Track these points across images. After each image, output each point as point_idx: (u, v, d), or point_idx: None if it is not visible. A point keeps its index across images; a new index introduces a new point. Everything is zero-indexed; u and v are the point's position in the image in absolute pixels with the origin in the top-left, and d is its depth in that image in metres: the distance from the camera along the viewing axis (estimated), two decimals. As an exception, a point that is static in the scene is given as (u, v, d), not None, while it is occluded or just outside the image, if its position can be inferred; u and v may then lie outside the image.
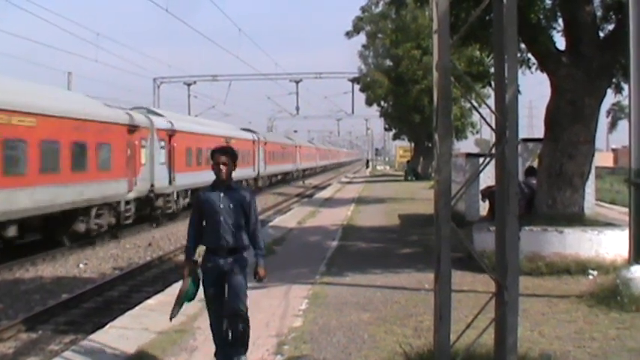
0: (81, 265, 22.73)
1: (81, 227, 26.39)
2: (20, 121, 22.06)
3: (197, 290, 8.30)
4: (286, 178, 79.97)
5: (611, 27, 16.35)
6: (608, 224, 15.92)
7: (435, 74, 6.64)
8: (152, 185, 33.29)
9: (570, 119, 15.54)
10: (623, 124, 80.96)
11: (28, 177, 22.54)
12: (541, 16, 16.04)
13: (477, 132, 65.71)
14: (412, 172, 65.74)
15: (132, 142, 30.77)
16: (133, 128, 31.05)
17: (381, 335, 9.78)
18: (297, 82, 74.88)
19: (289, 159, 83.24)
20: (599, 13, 16.31)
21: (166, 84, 78.86)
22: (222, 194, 8.05)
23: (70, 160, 25.31)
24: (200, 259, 8.48)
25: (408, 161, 74.90)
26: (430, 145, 52.08)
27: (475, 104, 27.44)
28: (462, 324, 7.49)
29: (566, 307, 11.29)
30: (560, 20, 16.52)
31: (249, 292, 8.10)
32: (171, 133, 36.51)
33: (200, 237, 8.31)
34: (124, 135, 30.11)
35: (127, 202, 30.34)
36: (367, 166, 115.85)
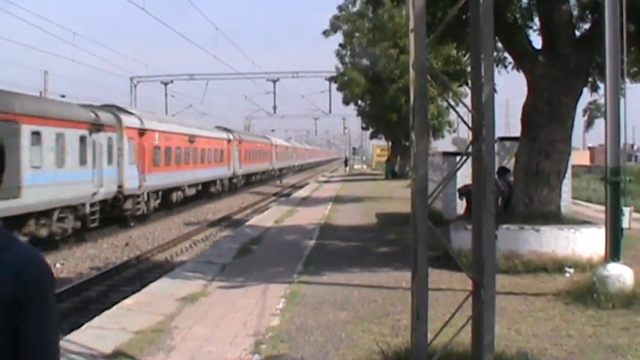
0: (58, 265, 22.58)
1: (213, 190, 52.81)
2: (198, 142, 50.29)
3: None
4: (287, 171, 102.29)
5: (587, 26, 16.44)
6: (585, 222, 16.04)
7: (412, 73, 6.64)
8: (234, 171, 60.58)
9: (547, 118, 15.60)
10: (599, 123, 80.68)
11: (204, 164, 50.50)
12: (517, 15, 16.13)
13: (454, 131, 65.79)
14: (391, 171, 65.85)
15: (228, 148, 58.94)
16: (229, 141, 59.41)
17: (358, 334, 9.78)
18: (274, 82, 74.74)
19: (291, 157, 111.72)
20: (575, 13, 16.40)
21: (143, 83, 78.47)
22: None
23: (214, 157, 53.44)
24: None
25: (387, 160, 74.81)
26: (407, 144, 52.07)
27: (452, 103, 27.46)
28: (439, 322, 7.50)
29: (542, 304, 11.34)
30: (537, 19, 16.59)
31: (225, 292, 8.02)
32: (240, 142, 64.24)
33: None
34: (226, 144, 58.24)
35: (226, 179, 57.87)
36: (346, 165, 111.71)
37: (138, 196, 34.20)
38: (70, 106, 29.79)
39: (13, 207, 22.16)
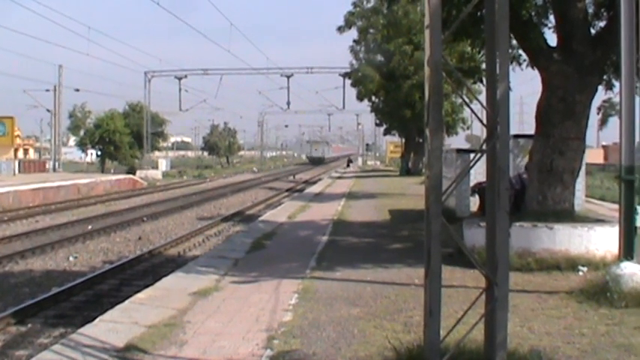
0: (71, 259, 22.67)
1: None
2: (336, 150, 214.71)
3: None
4: (336, 157, 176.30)
5: (602, 24, 16.37)
6: (598, 220, 15.95)
7: (427, 69, 6.63)
8: (324, 155, 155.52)
9: (561, 116, 15.54)
10: (613, 121, 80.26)
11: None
12: (532, 13, 16.07)
13: (468, 128, 65.60)
14: (405, 168, 65.85)
15: (333, 150, 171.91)
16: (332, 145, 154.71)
17: (370, 330, 9.78)
18: (288, 77, 75.00)
19: (335, 152, 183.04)
20: (590, 10, 16.32)
21: (157, 78, 78.80)
22: None
23: (334, 151, 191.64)
24: None
25: (401, 156, 74.70)
26: (421, 140, 52.02)
27: (466, 100, 27.38)
28: (452, 319, 7.50)
29: (555, 303, 11.32)
30: (552, 17, 16.54)
31: (237, 286, 8.01)
32: (327, 143, 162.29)
33: None
34: (334, 149, 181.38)
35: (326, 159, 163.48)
36: (348, 165, 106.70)
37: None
38: (321, 142, 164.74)
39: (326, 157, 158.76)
